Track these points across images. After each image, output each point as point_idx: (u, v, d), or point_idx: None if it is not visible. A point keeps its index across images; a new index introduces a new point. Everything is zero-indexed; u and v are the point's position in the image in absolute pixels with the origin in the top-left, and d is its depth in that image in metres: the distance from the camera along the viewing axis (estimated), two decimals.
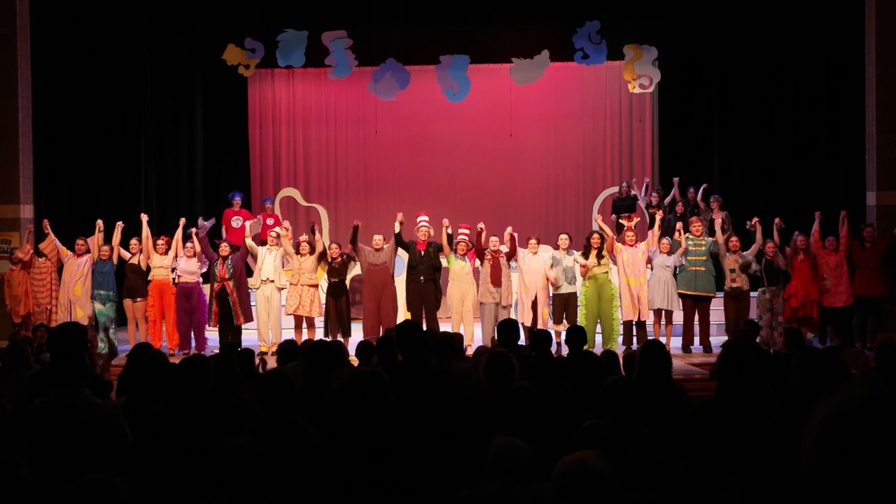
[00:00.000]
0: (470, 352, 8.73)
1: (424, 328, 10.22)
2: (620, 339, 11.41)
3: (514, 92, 14.90)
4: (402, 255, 13.39)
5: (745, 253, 11.40)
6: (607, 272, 11.39)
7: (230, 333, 11.33)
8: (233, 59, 14.12)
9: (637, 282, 11.36)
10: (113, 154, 14.37)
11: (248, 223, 12.39)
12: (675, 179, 13.80)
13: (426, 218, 11.71)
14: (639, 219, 13.28)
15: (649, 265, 11.58)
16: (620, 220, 13.22)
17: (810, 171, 14.38)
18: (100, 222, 11.57)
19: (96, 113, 14.31)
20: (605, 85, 16.01)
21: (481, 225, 11.44)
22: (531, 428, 4.06)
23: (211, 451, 3.37)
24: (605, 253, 11.32)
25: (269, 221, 14.29)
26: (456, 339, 7.30)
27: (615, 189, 15.22)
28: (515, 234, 11.37)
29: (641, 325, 11.45)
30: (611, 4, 14.23)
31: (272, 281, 11.57)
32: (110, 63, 14.31)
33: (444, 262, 11.59)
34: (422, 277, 11.22)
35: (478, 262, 11.44)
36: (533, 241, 11.46)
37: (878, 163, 12.41)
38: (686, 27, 14.50)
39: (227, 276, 11.27)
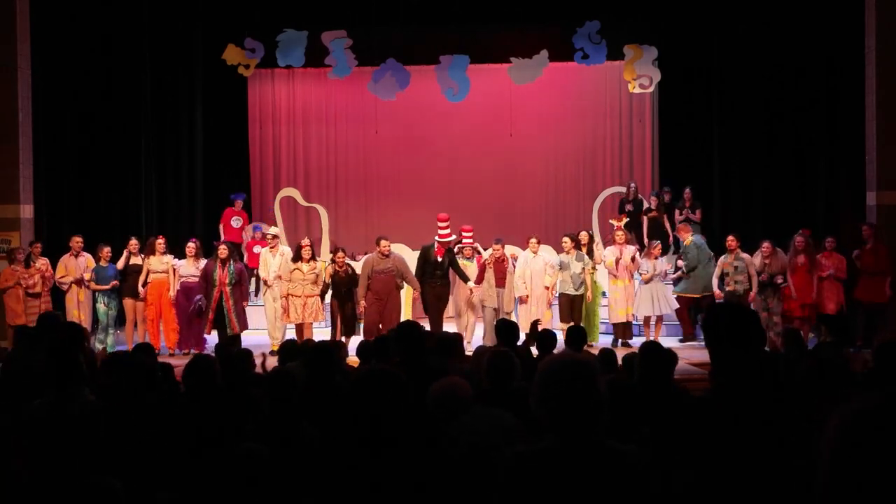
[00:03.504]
0: (470, 351, 8.73)
1: (430, 329, 10.26)
2: (607, 338, 11.68)
3: (514, 92, 14.89)
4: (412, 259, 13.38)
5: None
6: (594, 272, 11.53)
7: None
8: (233, 59, 14.11)
9: (624, 283, 11.50)
10: (113, 154, 14.36)
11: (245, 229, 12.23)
12: (687, 191, 13.85)
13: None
14: (627, 219, 13.37)
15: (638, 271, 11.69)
16: (610, 221, 13.32)
17: (810, 170, 14.36)
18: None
19: (96, 113, 14.30)
20: (605, 85, 16.01)
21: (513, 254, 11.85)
22: (531, 428, 4.04)
23: (220, 452, 3.36)
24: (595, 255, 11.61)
25: (256, 249, 13.45)
26: (457, 339, 7.29)
27: (615, 189, 15.22)
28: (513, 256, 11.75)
29: (628, 324, 11.70)
30: (611, 4, 14.21)
31: (280, 277, 11.48)
32: (110, 63, 14.31)
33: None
34: (439, 283, 11.24)
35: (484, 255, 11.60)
36: (534, 241, 11.49)
37: (878, 163, 12.39)
38: (686, 27, 14.48)
39: (227, 282, 11.07)
